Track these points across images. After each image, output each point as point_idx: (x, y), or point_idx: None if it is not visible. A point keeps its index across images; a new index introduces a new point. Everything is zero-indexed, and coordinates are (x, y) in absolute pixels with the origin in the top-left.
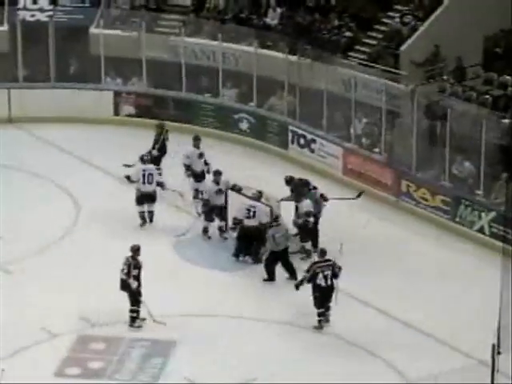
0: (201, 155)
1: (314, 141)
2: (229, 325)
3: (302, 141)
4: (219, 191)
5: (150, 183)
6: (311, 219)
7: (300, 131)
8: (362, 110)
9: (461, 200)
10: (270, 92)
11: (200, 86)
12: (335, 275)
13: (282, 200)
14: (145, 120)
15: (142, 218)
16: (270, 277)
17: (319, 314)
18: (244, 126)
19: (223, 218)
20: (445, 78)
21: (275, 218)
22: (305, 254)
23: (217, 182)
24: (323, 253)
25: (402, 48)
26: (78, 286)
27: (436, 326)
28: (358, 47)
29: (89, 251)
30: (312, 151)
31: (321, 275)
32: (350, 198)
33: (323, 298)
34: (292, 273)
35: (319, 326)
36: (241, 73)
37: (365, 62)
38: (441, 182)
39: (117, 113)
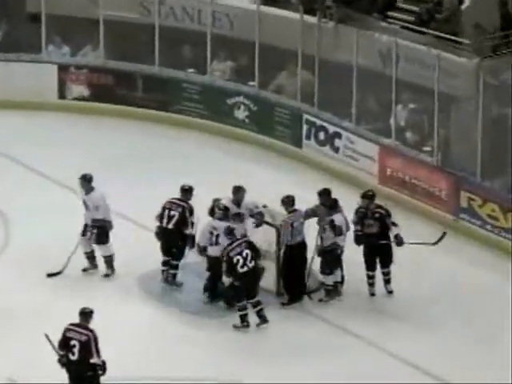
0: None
1: (338, 136)
2: None
3: (321, 135)
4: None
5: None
6: (342, 241)
7: (319, 122)
8: (407, 92)
9: None
10: (278, 67)
11: (181, 58)
12: (257, 253)
13: (306, 215)
14: (102, 106)
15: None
16: (294, 296)
17: (240, 308)
18: (242, 114)
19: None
20: None
21: (291, 202)
22: (328, 294)
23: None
24: (231, 231)
25: (463, 7)
26: None
27: None
28: (401, 5)
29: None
30: (336, 150)
31: (240, 259)
32: (428, 244)
33: (247, 286)
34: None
35: (244, 326)
36: (237, 40)
37: (411, 26)
38: None
39: (62, 95)
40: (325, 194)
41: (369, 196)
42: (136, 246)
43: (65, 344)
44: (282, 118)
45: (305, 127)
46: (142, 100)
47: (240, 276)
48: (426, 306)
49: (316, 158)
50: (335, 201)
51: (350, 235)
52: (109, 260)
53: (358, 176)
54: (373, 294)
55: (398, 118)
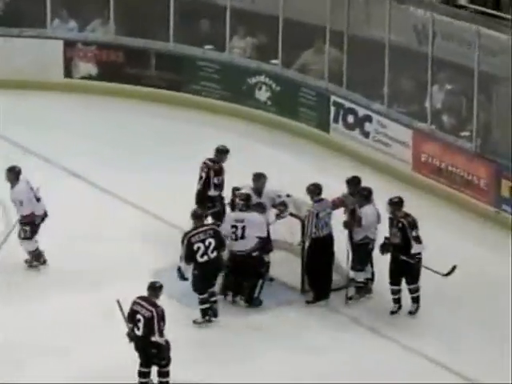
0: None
1: (369, 119)
2: None
3: (350, 119)
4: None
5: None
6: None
7: (348, 104)
8: (444, 72)
9: None
10: (304, 44)
11: (197, 33)
12: (221, 243)
13: (334, 205)
14: (111, 85)
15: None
16: (320, 293)
17: (202, 301)
18: (263, 95)
19: None
20: None
21: (318, 190)
22: (358, 292)
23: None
24: (198, 216)
25: None
26: None
27: None
28: None
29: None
30: (366, 135)
31: (201, 247)
32: (438, 273)
33: (208, 276)
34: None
35: (206, 321)
36: (259, 14)
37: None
38: None
39: (68, 74)
40: (354, 182)
41: (393, 203)
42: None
43: (132, 317)
44: (308, 100)
45: (332, 109)
46: (155, 79)
47: (199, 265)
48: (467, 303)
49: (344, 143)
50: (369, 190)
51: (383, 229)
52: (35, 254)
53: (390, 163)
54: (392, 312)
55: (433, 99)
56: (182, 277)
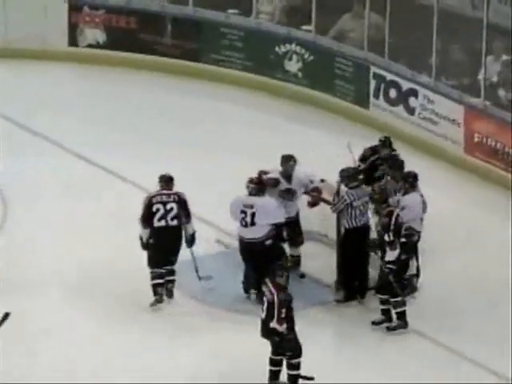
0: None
1: (414, 93)
2: None
3: (393, 93)
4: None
5: None
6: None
7: (390, 76)
8: (500, 40)
9: None
10: (341, 8)
11: None
12: (186, 213)
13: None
14: (121, 54)
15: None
16: (350, 292)
17: (154, 276)
18: (294, 66)
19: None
20: None
21: (354, 175)
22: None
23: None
24: (166, 180)
25: None
26: None
27: None
28: None
29: None
30: (411, 112)
31: (161, 210)
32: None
33: (164, 246)
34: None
35: (156, 300)
36: None
37: None
38: None
39: (73, 41)
40: (396, 166)
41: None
42: None
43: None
44: (344, 71)
45: (372, 83)
46: (171, 48)
47: (155, 231)
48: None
49: (385, 121)
50: (414, 176)
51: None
52: None
53: (438, 143)
54: (373, 323)
55: (488, 72)
56: (144, 246)
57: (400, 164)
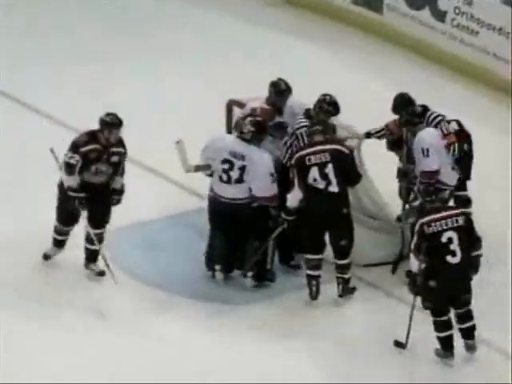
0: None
1: None
2: None
3: None
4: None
5: None
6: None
7: None
8: None
9: None
10: None
11: None
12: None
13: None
14: None
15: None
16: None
17: (56, 230)
18: None
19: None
20: None
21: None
22: None
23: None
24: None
25: None
26: None
27: None
28: None
29: None
30: (440, 17)
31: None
32: None
33: (88, 200)
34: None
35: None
36: None
37: None
38: None
39: None
40: (403, 102)
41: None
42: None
43: None
44: None
45: None
46: None
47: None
48: None
49: (405, 31)
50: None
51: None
52: None
53: (478, 61)
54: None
55: None
56: (80, 203)
57: (407, 99)
